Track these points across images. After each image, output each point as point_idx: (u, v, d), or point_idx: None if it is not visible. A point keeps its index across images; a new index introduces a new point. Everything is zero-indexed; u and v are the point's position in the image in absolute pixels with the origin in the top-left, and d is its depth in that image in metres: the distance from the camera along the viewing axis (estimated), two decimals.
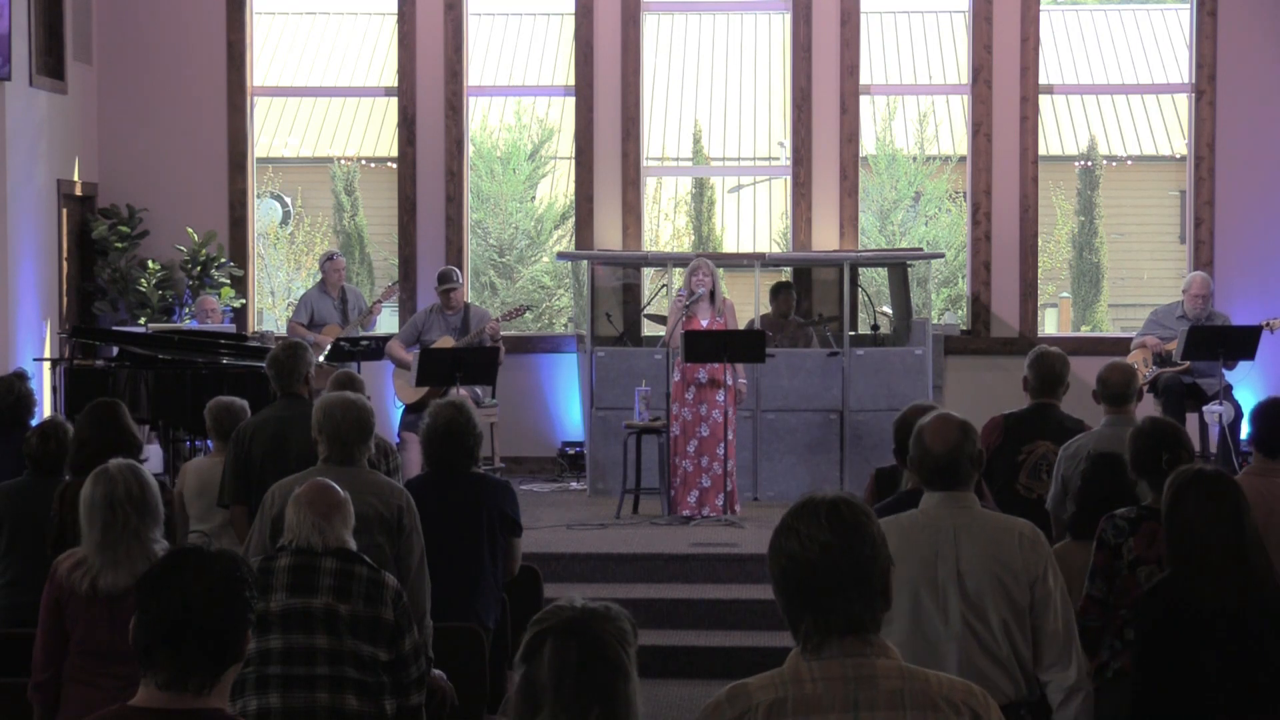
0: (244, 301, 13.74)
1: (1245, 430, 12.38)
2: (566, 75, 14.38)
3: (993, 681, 4.66)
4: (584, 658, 2.86)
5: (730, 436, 11.08)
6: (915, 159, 18.31)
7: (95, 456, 6.57)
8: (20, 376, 8.15)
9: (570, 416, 13.47)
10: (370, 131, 17.97)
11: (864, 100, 13.90)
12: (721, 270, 12.00)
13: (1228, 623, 4.76)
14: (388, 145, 16.06)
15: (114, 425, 6.73)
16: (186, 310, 13.37)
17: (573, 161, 14.05)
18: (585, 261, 13.05)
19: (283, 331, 13.18)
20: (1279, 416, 6.41)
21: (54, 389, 11.79)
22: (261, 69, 15.41)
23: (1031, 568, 4.71)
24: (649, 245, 14.49)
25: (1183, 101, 14.75)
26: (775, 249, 17.14)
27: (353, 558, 5.27)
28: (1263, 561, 4.87)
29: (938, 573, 4.70)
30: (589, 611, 2.92)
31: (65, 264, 13.24)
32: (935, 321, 13.52)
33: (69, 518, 6.43)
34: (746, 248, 18.10)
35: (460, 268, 13.16)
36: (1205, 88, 13.57)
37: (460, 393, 10.97)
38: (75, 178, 13.32)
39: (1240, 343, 11.69)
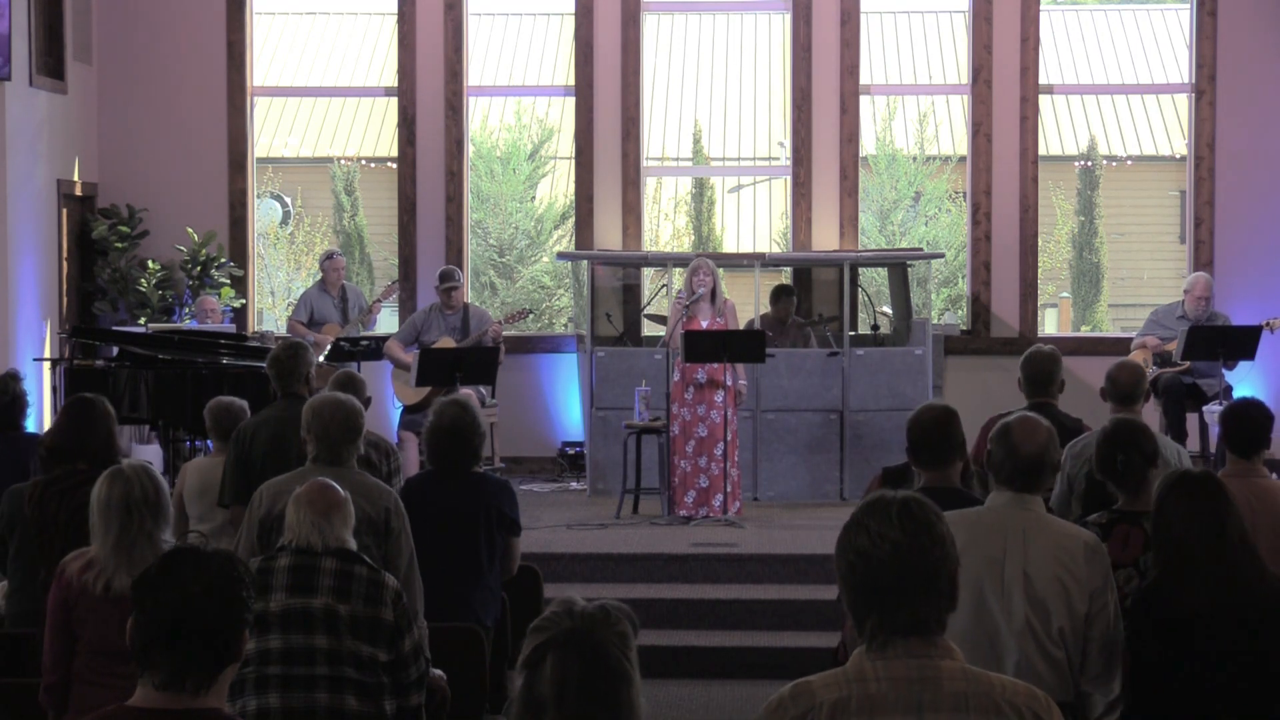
0: (244, 301, 13.74)
1: None
2: (566, 75, 14.38)
3: (1046, 681, 4.68)
4: (586, 669, 2.81)
5: (730, 437, 11.07)
6: (915, 159, 18.30)
7: (65, 459, 6.55)
8: (14, 377, 8.13)
9: (570, 416, 13.47)
10: (370, 131, 17.96)
11: (864, 100, 13.90)
12: (721, 270, 11.99)
13: (1214, 623, 4.77)
14: (388, 145, 16.06)
15: (82, 428, 6.64)
16: (186, 310, 13.37)
17: (573, 161, 14.04)
18: (585, 261, 13.05)
19: (283, 331, 13.18)
20: (1247, 418, 6.42)
21: (54, 389, 11.79)
22: (261, 69, 15.41)
23: (1094, 578, 4.76)
24: (649, 245, 14.49)
25: (1183, 101, 14.75)
26: (775, 249, 17.14)
27: (353, 558, 5.26)
28: (1249, 561, 4.88)
29: (1004, 570, 4.73)
30: (589, 618, 2.86)
31: (65, 264, 13.24)
32: (935, 321, 13.52)
33: (34, 515, 6.40)
34: (746, 248, 18.10)
35: (460, 268, 13.16)
36: (1205, 88, 13.57)
37: (465, 391, 10.96)
38: (75, 178, 13.32)
39: (1240, 343, 11.68)
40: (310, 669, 5.13)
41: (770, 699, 3.13)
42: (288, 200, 18.16)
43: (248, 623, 3.25)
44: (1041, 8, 13.68)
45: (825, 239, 13.59)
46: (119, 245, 13.41)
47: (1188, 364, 11.93)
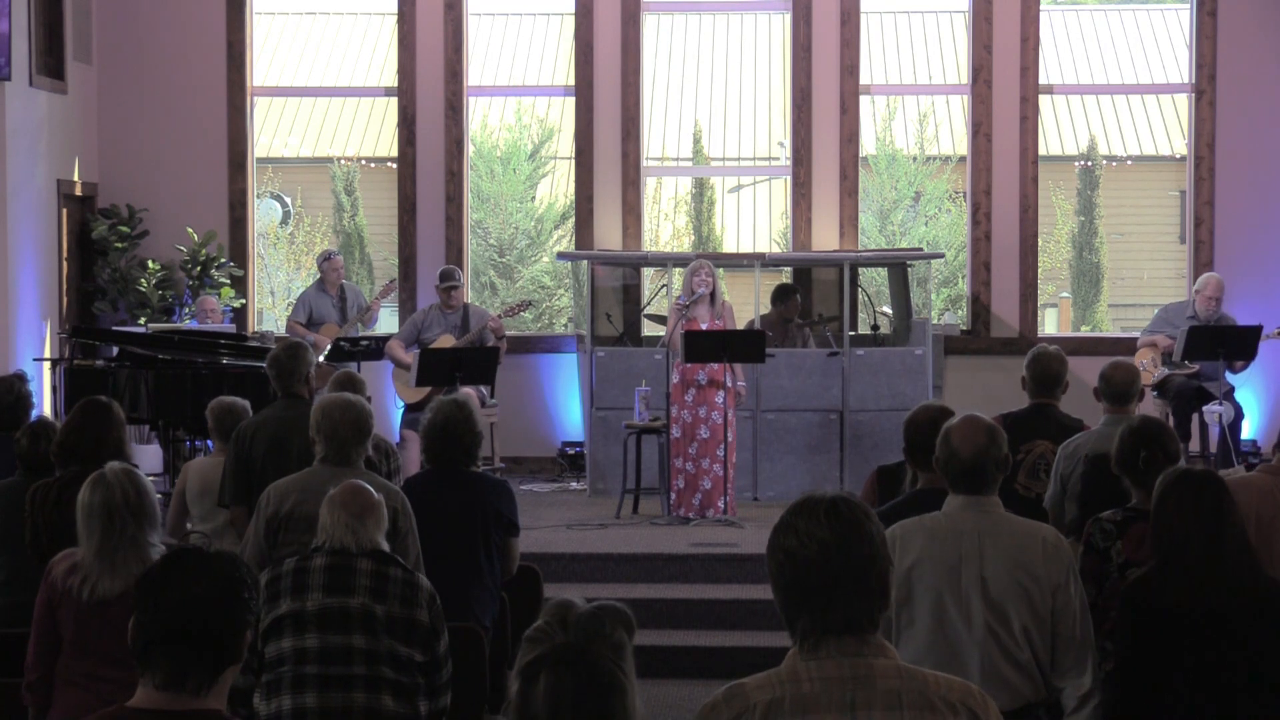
0: (244, 301, 13.74)
1: (1246, 430, 12.38)
2: (566, 75, 14.38)
3: (1014, 685, 4.67)
4: (580, 688, 2.80)
5: (730, 438, 11.08)
6: (915, 159, 18.31)
7: (78, 459, 6.53)
8: (20, 378, 8.14)
9: (570, 416, 13.47)
10: (370, 131, 17.97)
11: (864, 100, 13.90)
12: (721, 270, 11.99)
13: (1203, 622, 4.77)
14: (388, 145, 16.06)
15: (100, 428, 6.61)
16: (186, 310, 13.37)
17: (573, 161, 14.04)
18: (585, 261, 13.05)
19: (283, 331, 13.18)
20: None
21: (54, 389, 11.79)
22: (261, 69, 15.40)
23: (1054, 574, 4.74)
24: (649, 245, 14.49)
25: (1183, 101, 14.75)
26: (775, 249, 17.14)
27: (387, 559, 5.29)
28: (1245, 562, 4.88)
29: (962, 577, 4.72)
30: (583, 632, 2.83)
31: (65, 264, 13.24)
32: (935, 321, 13.52)
33: (40, 519, 6.41)
34: (746, 248, 18.10)
35: (460, 268, 13.16)
36: (1205, 88, 13.56)
37: (465, 391, 10.97)
38: (75, 178, 13.32)
39: (1240, 343, 11.66)
40: (347, 669, 5.14)
41: (705, 702, 3.13)
42: (288, 200, 18.16)
43: (249, 624, 3.26)
44: (1041, 8, 13.68)
45: (825, 239, 13.59)
46: (119, 245, 13.41)
47: (1197, 366, 11.91)
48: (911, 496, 5.65)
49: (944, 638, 4.70)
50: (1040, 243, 14.04)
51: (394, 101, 13.99)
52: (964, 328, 13.73)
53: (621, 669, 2.83)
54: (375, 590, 5.19)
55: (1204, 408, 12.04)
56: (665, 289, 12.95)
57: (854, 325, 12.71)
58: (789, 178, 13.99)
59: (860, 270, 13.31)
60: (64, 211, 13.19)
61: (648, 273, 13.69)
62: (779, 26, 16.23)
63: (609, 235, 13.68)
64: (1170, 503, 4.90)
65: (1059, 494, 6.84)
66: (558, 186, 18.35)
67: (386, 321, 14.82)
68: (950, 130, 18.28)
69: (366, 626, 5.16)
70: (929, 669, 3.19)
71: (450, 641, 6.19)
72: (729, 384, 11.10)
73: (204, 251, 13.47)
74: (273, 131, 17.71)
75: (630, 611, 2.90)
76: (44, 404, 12.06)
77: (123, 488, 5.25)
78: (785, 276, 13.81)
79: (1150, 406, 11.66)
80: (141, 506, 5.28)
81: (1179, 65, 16.12)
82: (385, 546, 5.34)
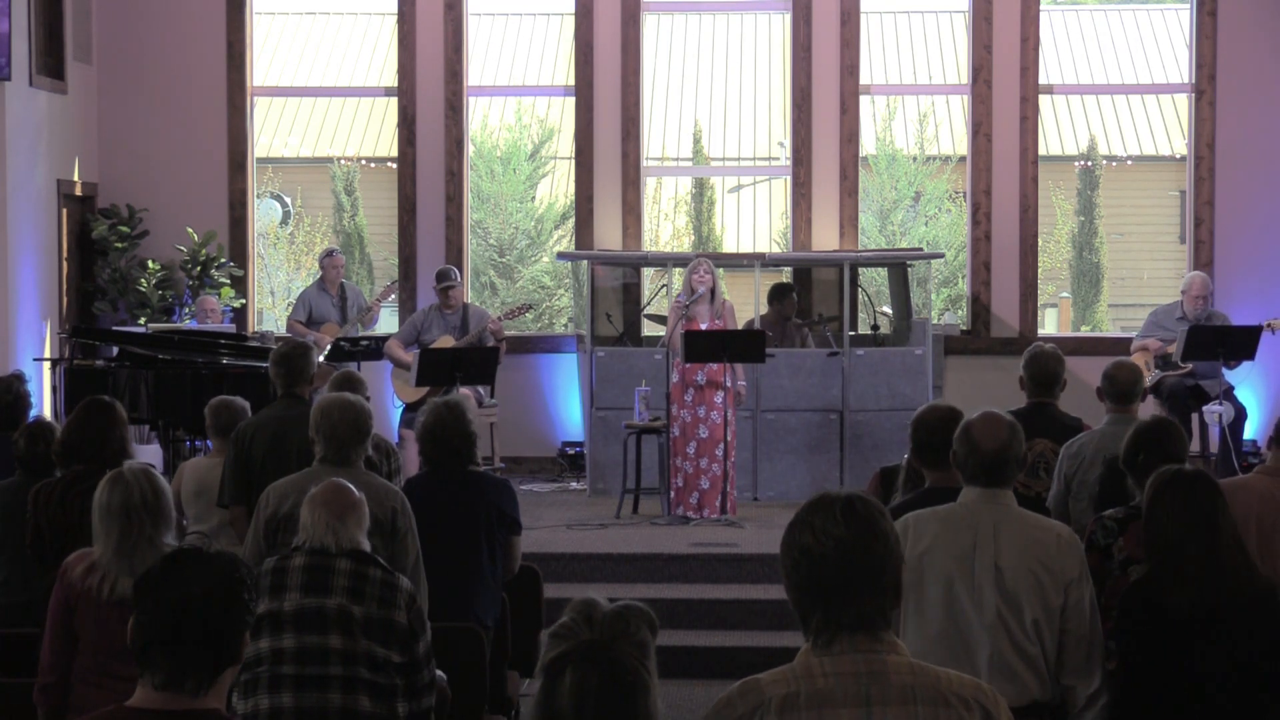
0: (244, 301, 13.74)
1: (1246, 430, 12.37)
2: (566, 75, 14.38)
3: (1022, 679, 4.69)
4: (604, 684, 2.83)
5: (729, 438, 11.08)
6: (915, 159, 18.31)
7: (81, 459, 6.53)
8: (19, 378, 8.14)
9: (570, 416, 13.47)
10: (370, 131, 17.97)
11: (864, 100, 13.89)
12: (721, 270, 11.99)
13: (1203, 623, 4.78)
14: (388, 145, 16.06)
15: (103, 429, 6.60)
16: (186, 310, 13.37)
17: (573, 161, 14.04)
18: (585, 261, 13.05)
19: (283, 331, 13.18)
20: None
21: (54, 389, 11.79)
22: (261, 69, 15.40)
23: (1068, 569, 4.77)
24: (649, 245, 14.49)
25: (1183, 101, 14.75)
26: (775, 249, 17.14)
27: (367, 559, 5.28)
28: (1240, 562, 4.89)
29: (975, 565, 4.76)
30: (607, 629, 2.87)
31: (65, 264, 13.24)
32: (935, 321, 13.52)
33: (43, 520, 6.42)
34: (746, 248, 18.10)
35: (460, 268, 13.16)
36: (1205, 88, 13.56)
37: (463, 392, 10.97)
38: (75, 178, 13.32)
39: (1240, 342, 11.66)
40: (324, 669, 5.14)
41: (720, 696, 3.15)
42: (288, 200, 18.17)
43: (248, 625, 3.26)
44: (1041, 8, 13.68)
45: (825, 239, 13.59)
46: (119, 245, 13.41)
47: (1190, 366, 11.92)
48: (921, 495, 5.65)
49: (954, 625, 4.73)
50: (1040, 243, 14.04)
51: (394, 101, 13.99)
52: (964, 328, 13.73)
53: (645, 667, 2.87)
54: (353, 591, 5.18)
55: (1204, 408, 12.04)
56: (665, 289, 12.95)
57: (854, 325, 12.71)
58: (789, 178, 13.99)
59: (860, 270, 13.32)
60: (64, 211, 13.19)
61: (648, 273, 13.70)
62: (779, 26, 16.23)
63: (609, 235, 13.68)
64: (1163, 504, 4.92)
65: (1062, 493, 6.84)
66: (558, 186, 18.35)
67: (387, 322, 14.82)
68: (950, 130, 18.28)
69: (343, 627, 5.15)
70: (938, 658, 3.20)
71: (450, 641, 6.20)
72: (728, 384, 11.10)
73: (204, 251, 13.47)
74: (273, 131, 17.71)
75: (653, 613, 2.93)
76: (44, 404, 12.06)
77: (141, 488, 5.26)
78: (785, 276, 13.81)
79: (1149, 409, 11.65)
80: (159, 507, 5.28)
81: (1179, 65, 16.12)
82: (367, 546, 5.32)
